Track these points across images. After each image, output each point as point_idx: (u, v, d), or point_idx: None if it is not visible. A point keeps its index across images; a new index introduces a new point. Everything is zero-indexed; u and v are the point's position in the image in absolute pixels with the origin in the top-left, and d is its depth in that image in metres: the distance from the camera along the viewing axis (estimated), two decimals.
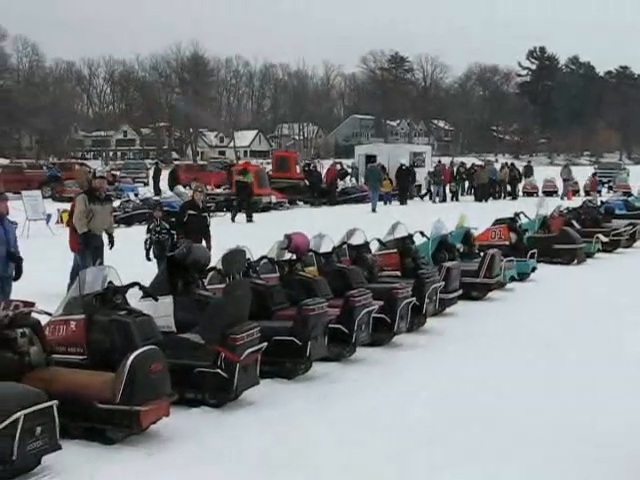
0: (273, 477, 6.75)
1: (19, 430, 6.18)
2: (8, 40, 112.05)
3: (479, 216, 21.16)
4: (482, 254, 15.29)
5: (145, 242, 14.85)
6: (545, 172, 54.25)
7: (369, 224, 15.66)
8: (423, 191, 44.50)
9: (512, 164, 48.52)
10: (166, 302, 9.18)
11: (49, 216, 27.05)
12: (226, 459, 7.08)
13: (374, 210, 34.35)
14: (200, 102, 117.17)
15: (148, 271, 12.82)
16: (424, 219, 17.78)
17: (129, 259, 13.93)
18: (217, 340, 8.21)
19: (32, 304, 7.96)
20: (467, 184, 45.73)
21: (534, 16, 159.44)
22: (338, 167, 45.39)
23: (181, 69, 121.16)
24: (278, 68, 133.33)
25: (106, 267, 9.16)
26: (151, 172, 49.59)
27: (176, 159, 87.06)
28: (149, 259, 14.70)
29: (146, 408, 7.13)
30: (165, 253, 14.11)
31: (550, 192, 45.27)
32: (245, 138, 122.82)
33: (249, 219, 29.91)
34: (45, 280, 13.47)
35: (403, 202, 39.02)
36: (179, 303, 9.28)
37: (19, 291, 10.65)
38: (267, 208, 34.55)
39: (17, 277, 11.14)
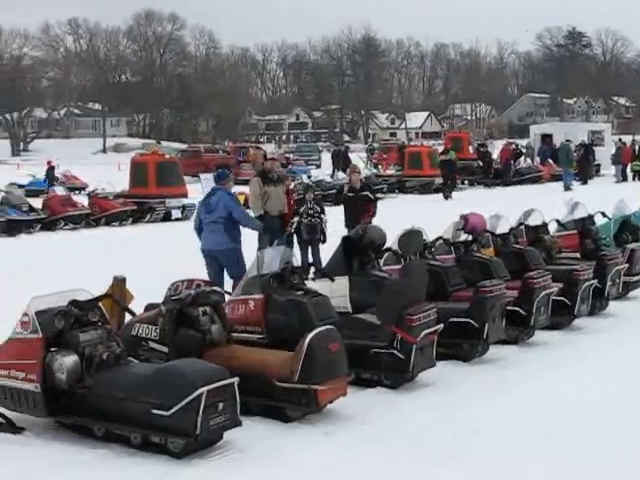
0: (445, 460, 6.65)
1: (202, 405, 6.35)
2: (186, 29, 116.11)
3: None
4: None
5: (290, 225, 14.17)
6: None
7: (545, 204, 15.24)
8: (604, 171, 42.90)
9: None
10: (342, 282, 9.24)
11: None
12: (400, 440, 7.03)
13: (567, 189, 33.35)
14: (371, 84, 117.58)
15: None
16: (605, 199, 17.14)
17: None
18: (394, 321, 8.18)
19: (213, 283, 8.17)
20: None
21: None
22: (512, 147, 44.47)
23: (352, 51, 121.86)
24: (450, 48, 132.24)
25: (283, 248, 9.30)
26: (327, 155, 50.12)
27: (347, 141, 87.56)
28: (290, 245, 13.70)
29: (324, 387, 7.17)
30: (317, 236, 14.11)
31: None
32: (416, 119, 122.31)
33: (447, 196, 31.50)
34: None
35: (584, 182, 37.77)
36: (355, 283, 9.34)
37: (203, 271, 10.98)
38: (439, 189, 34.24)
39: None
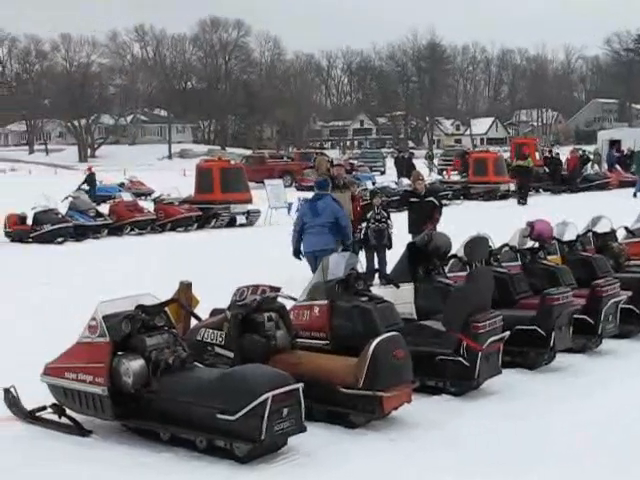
0: (509, 468, 6.58)
1: (267, 410, 6.36)
2: (252, 35, 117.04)
3: None
4: None
5: (359, 231, 14.12)
6: None
7: (613, 211, 14.99)
8: None
9: None
10: (407, 289, 9.21)
11: (290, 205, 27.88)
12: (465, 448, 6.96)
13: (635, 195, 32.90)
14: (436, 90, 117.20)
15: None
16: None
17: None
18: (459, 328, 8.13)
19: (278, 289, 8.20)
20: None
21: None
22: (579, 153, 43.90)
23: (417, 57, 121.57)
24: (516, 53, 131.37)
25: (348, 254, 9.28)
26: (392, 161, 50.02)
27: (412, 148, 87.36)
28: (356, 250, 13.56)
29: (389, 394, 7.14)
30: (383, 242, 14.07)
31: None
32: (481, 125, 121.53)
33: (523, 202, 31.39)
34: (289, 266, 13.81)
35: None
36: (420, 290, 9.29)
37: (268, 276, 11.01)
38: (505, 196, 33.96)
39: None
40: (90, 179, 35.20)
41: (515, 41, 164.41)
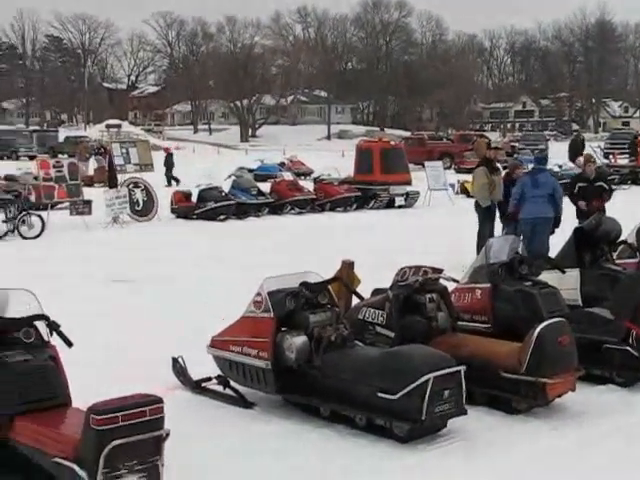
0: None
1: (428, 391, 6.33)
2: (413, 16, 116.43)
3: None
4: None
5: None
6: None
7: None
8: None
9: None
10: (572, 275, 8.99)
11: (452, 186, 27.70)
12: (634, 443, 6.72)
13: None
14: (604, 70, 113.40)
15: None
16: None
17: None
18: (629, 316, 7.86)
19: (440, 270, 8.16)
20: None
21: None
22: None
23: (585, 36, 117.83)
24: None
25: (512, 237, 9.14)
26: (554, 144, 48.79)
27: (576, 131, 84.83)
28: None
29: (552, 381, 6.99)
30: None
31: None
32: None
33: None
34: (448, 248, 13.72)
35: None
36: (586, 276, 9.05)
37: (427, 258, 10.96)
38: None
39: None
40: (167, 160, 34.19)
41: None
